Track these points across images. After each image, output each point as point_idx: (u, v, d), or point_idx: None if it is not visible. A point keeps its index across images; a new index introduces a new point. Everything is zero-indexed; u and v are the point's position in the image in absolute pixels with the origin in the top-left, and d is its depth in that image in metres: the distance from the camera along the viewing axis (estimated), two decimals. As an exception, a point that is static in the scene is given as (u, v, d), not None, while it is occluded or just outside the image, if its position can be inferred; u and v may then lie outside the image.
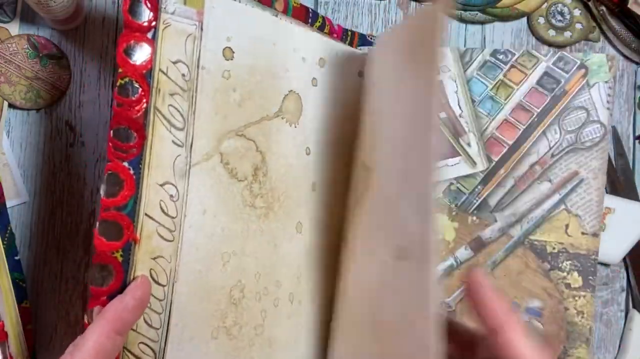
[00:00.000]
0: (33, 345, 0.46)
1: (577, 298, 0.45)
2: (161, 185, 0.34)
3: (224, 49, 0.38)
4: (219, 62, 0.37)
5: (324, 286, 0.43)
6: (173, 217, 0.35)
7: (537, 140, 0.46)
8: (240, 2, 0.38)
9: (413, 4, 0.51)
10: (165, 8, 0.34)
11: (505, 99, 0.47)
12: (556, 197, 0.45)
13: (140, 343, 0.35)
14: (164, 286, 0.35)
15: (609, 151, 0.47)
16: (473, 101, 0.47)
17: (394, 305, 0.34)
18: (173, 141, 0.35)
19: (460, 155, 0.46)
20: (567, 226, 0.45)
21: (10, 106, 0.46)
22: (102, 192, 0.33)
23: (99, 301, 0.33)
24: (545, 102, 0.46)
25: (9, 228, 0.45)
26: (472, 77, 0.47)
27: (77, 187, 0.47)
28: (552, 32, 0.51)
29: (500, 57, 0.47)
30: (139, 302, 0.33)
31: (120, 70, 0.32)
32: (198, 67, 0.35)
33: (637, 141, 0.52)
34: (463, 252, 0.46)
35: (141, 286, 0.33)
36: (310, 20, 0.43)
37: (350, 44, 0.46)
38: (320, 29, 0.43)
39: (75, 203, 0.47)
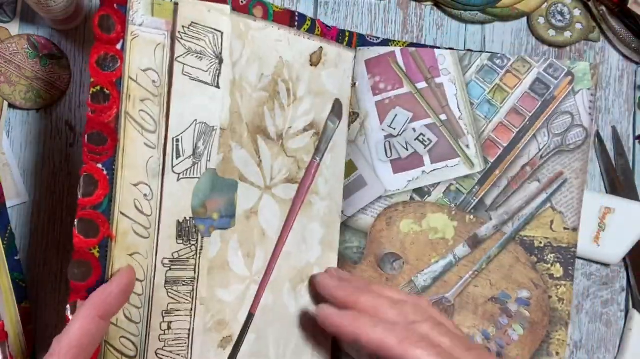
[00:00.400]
0: (33, 345, 0.46)
1: (558, 287, 0.48)
2: (135, 185, 0.37)
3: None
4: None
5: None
6: (148, 215, 0.37)
7: (528, 142, 0.48)
8: (209, 12, 0.39)
9: (413, 4, 0.51)
10: (132, 21, 0.37)
11: (501, 103, 0.48)
12: (543, 196, 0.48)
13: (121, 337, 0.37)
14: (141, 281, 0.37)
15: (590, 153, 0.50)
16: (472, 104, 0.48)
17: None
18: (145, 143, 0.37)
19: (459, 156, 0.48)
20: (552, 222, 0.48)
21: (10, 106, 0.46)
22: (79, 192, 0.36)
23: (79, 295, 0.35)
24: (536, 107, 0.48)
25: (9, 228, 0.45)
26: (470, 81, 0.48)
27: (77, 187, 0.47)
28: (552, 32, 0.51)
29: (497, 61, 0.48)
30: (124, 288, 0.35)
31: (92, 80, 0.36)
32: (169, 74, 0.38)
33: (637, 141, 0.52)
34: (461, 249, 0.48)
35: (126, 274, 0.35)
36: (297, 24, 0.44)
37: (349, 45, 0.47)
38: (310, 32, 0.44)
39: (75, 203, 0.47)
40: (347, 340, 0.39)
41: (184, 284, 0.38)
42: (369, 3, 0.50)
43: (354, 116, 0.48)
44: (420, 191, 0.48)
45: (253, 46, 0.41)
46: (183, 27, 0.37)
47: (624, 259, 0.51)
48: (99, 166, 0.36)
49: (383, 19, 0.50)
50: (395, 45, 0.48)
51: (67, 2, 0.43)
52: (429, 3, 0.51)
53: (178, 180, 0.38)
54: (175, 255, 0.38)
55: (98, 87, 0.36)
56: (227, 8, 0.39)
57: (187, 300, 0.39)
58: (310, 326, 0.45)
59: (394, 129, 0.48)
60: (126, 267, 0.36)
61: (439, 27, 0.51)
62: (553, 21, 0.51)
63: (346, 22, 0.50)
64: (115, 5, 0.36)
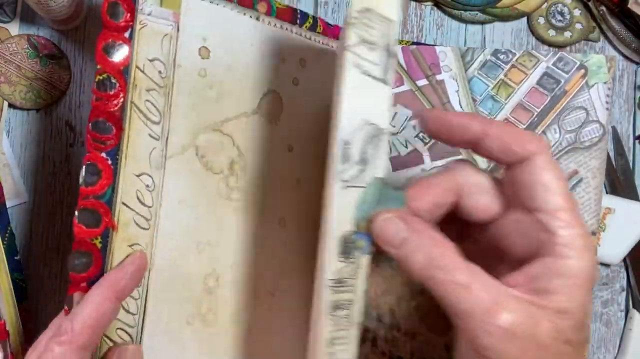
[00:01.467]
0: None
1: None
2: (137, 175, 0.36)
3: (200, 49, 0.39)
4: (195, 60, 0.39)
5: (307, 280, 0.43)
6: (149, 207, 0.37)
7: None
8: (217, 4, 0.39)
9: (413, 4, 0.51)
10: (141, 9, 0.36)
11: (506, 99, 0.47)
12: None
13: (118, 328, 0.36)
14: None
15: (608, 150, 0.48)
16: (474, 100, 0.47)
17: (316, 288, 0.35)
18: (149, 134, 0.37)
19: (461, 154, 0.47)
20: None
21: (10, 105, 0.46)
22: (80, 181, 0.35)
23: (79, 288, 0.34)
24: (545, 102, 0.46)
25: (9, 228, 0.45)
26: (473, 77, 0.47)
27: (77, 187, 0.47)
28: (552, 32, 0.51)
29: (501, 57, 0.47)
30: (137, 269, 0.34)
31: (99, 67, 0.35)
32: (174, 65, 0.37)
33: (637, 141, 0.52)
34: None
35: (140, 257, 0.35)
36: (298, 21, 0.43)
37: None
38: (312, 29, 0.44)
39: (75, 203, 0.47)
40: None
41: (341, 308, 0.34)
42: (369, 3, 0.50)
43: None
44: None
45: None
46: (357, 12, 0.33)
47: (624, 259, 0.51)
48: (103, 155, 0.35)
49: (327, 21, 0.50)
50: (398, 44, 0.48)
51: (67, 2, 0.43)
52: (429, 3, 0.51)
53: (346, 188, 0.33)
54: (339, 274, 0.33)
55: (105, 75, 0.35)
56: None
57: (345, 326, 0.34)
58: None
59: (394, 126, 0.47)
60: (139, 252, 0.35)
61: (439, 27, 0.51)
62: (553, 21, 0.51)
63: (346, 22, 0.50)
64: None
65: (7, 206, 0.45)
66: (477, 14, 0.50)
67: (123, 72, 0.36)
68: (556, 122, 0.46)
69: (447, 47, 0.47)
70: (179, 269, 0.38)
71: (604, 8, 0.51)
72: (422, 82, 0.47)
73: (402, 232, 0.30)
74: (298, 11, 0.44)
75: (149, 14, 0.37)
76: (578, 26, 0.51)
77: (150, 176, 0.37)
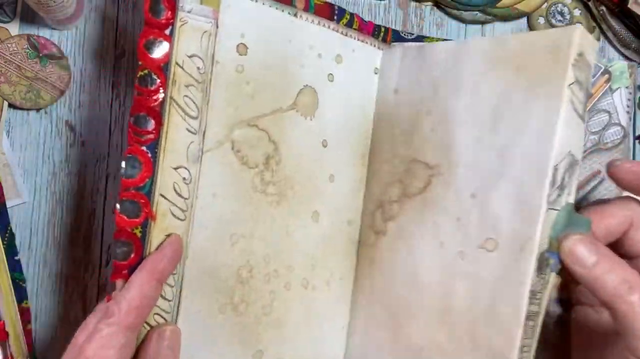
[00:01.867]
0: (33, 345, 0.46)
1: None
2: (175, 168, 0.37)
3: (237, 45, 0.40)
4: (233, 57, 0.40)
5: (341, 273, 0.45)
6: (185, 199, 0.38)
7: None
8: (256, 2, 0.40)
9: (413, 4, 0.51)
10: (182, 7, 0.37)
11: None
12: (580, 194, 0.48)
13: (155, 314, 0.37)
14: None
15: (628, 152, 0.50)
16: None
17: (470, 294, 0.38)
18: (187, 129, 0.38)
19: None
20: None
21: (10, 105, 0.46)
22: (122, 173, 0.36)
23: (121, 275, 0.36)
24: None
25: (9, 228, 0.45)
26: None
27: (77, 187, 0.47)
28: (552, 32, 0.51)
29: None
30: (175, 253, 0.36)
31: (140, 63, 0.36)
32: (213, 61, 0.38)
33: (637, 141, 0.52)
34: None
35: (175, 241, 0.36)
36: (336, 17, 0.44)
37: (384, 40, 0.46)
38: (348, 25, 0.45)
39: (75, 203, 0.47)
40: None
41: (531, 320, 0.37)
42: (369, 3, 0.50)
43: None
44: None
45: None
46: (577, 54, 0.36)
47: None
48: (144, 148, 0.37)
49: (383, 19, 0.50)
50: (429, 42, 0.47)
51: (67, 2, 0.43)
52: (429, 3, 0.51)
53: (547, 211, 0.36)
54: (533, 288, 0.36)
55: (146, 71, 0.36)
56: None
57: (530, 335, 0.37)
58: None
59: None
60: (174, 235, 0.37)
61: (439, 27, 0.51)
62: (553, 21, 0.51)
63: (346, 22, 0.50)
64: None
65: (7, 206, 0.45)
66: (477, 14, 0.50)
67: (163, 68, 0.37)
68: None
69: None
70: (213, 259, 0.40)
71: (604, 8, 0.51)
72: None
73: (593, 254, 0.33)
74: (336, 7, 0.44)
75: (189, 12, 0.37)
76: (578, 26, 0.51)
77: (187, 169, 0.38)
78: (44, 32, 0.47)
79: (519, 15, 0.51)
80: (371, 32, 0.46)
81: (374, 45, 0.47)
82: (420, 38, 0.48)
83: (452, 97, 0.41)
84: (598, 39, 0.52)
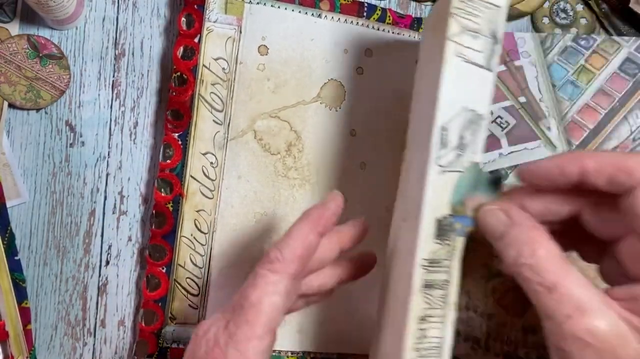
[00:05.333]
0: (33, 345, 0.46)
1: None
2: (203, 154, 0.45)
3: (259, 47, 0.46)
4: (255, 57, 0.46)
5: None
6: (213, 180, 0.45)
7: (618, 124, 0.47)
8: (278, 8, 0.45)
9: (413, 4, 0.50)
10: (208, 17, 0.44)
11: (587, 84, 0.47)
12: None
13: (187, 278, 0.45)
14: (205, 233, 0.45)
15: None
16: (554, 86, 0.48)
17: (397, 268, 0.36)
18: (214, 120, 0.45)
19: (539, 139, 0.47)
20: None
21: (10, 105, 0.46)
22: (160, 157, 0.45)
23: (156, 240, 0.45)
24: (627, 87, 0.47)
25: (9, 228, 0.45)
26: (552, 63, 0.48)
27: (77, 187, 0.47)
28: (557, 31, 0.51)
29: (582, 42, 0.48)
30: (337, 208, 0.36)
31: (174, 67, 0.45)
32: (236, 62, 0.45)
33: None
34: None
35: (337, 197, 0.36)
36: (365, 14, 0.47)
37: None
38: (380, 21, 0.48)
39: (75, 203, 0.47)
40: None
41: (437, 288, 0.34)
42: (369, 3, 0.50)
43: None
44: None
45: None
46: (461, 2, 0.34)
47: None
48: (176, 136, 0.45)
49: (397, 12, 0.50)
50: None
51: (67, 2, 0.43)
52: (429, 3, 0.50)
53: (442, 173, 0.33)
54: (433, 255, 0.34)
55: (178, 73, 0.44)
56: None
57: (439, 305, 0.34)
58: None
59: None
60: (336, 192, 0.37)
61: (440, 26, 0.51)
62: (557, 19, 0.51)
63: (347, 21, 0.50)
64: (195, 6, 0.45)
65: (7, 206, 0.45)
66: (477, 12, 0.50)
67: (192, 70, 0.44)
68: (638, 108, 0.47)
69: (526, 34, 0.48)
70: (238, 234, 0.46)
71: (605, 6, 0.50)
72: (499, 67, 0.47)
73: (502, 225, 0.30)
74: (365, 4, 0.47)
75: (215, 21, 0.45)
76: (583, 21, 0.51)
77: (214, 154, 0.45)
78: (44, 32, 0.47)
79: (519, 15, 0.50)
80: (409, 25, 0.48)
81: (413, 37, 0.48)
82: None
83: None
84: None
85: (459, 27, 0.34)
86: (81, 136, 0.47)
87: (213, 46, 0.44)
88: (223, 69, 0.45)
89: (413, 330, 0.33)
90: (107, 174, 0.47)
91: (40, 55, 0.46)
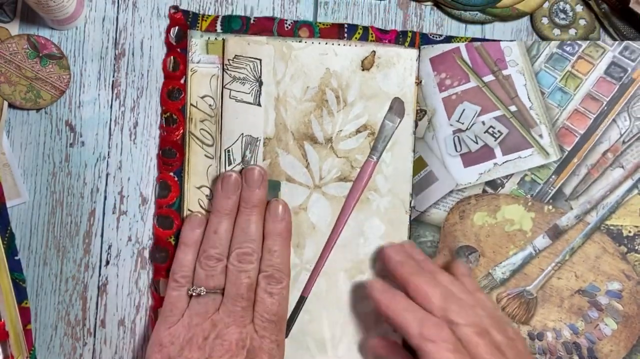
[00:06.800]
0: (33, 345, 0.46)
1: None
2: (198, 188, 0.47)
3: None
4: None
5: None
6: (209, 212, 0.47)
7: (607, 128, 0.47)
8: (249, 44, 0.47)
9: (413, 4, 0.50)
10: (191, 59, 0.47)
11: (575, 90, 0.48)
12: (629, 183, 0.47)
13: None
14: None
15: None
16: (542, 93, 0.48)
17: None
18: (205, 155, 0.47)
19: (532, 146, 0.48)
20: None
21: (10, 105, 0.46)
22: (156, 195, 0.47)
23: (161, 275, 0.47)
24: (614, 91, 0.47)
25: (9, 228, 0.45)
26: (540, 70, 0.48)
27: (77, 187, 0.47)
28: (556, 32, 0.51)
29: (567, 48, 0.48)
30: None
31: (163, 108, 0.48)
32: (222, 97, 0.47)
33: None
34: (541, 241, 0.48)
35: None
36: (346, 35, 0.48)
37: (412, 44, 0.49)
38: (363, 39, 0.48)
39: (75, 203, 0.47)
40: (384, 317, 0.40)
41: None
42: (369, 3, 0.50)
43: (421, 113, 0.48)
44: (493, 184, 0.48)
45: (297, 64, 0.47)
46: (229, 60, 0.46)
47: None
48: (171, 174, 0.47)
49: (383, 19, 0.50)
50: (458, 42, 0.49)
51: (67, 2, 0.43)
52: (429, 3, 0.50)
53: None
54: None
55: (168, 114, 0.47)
56: (263, 39, 0.47)
57: None
58: (373, 314, 0.47)
59: (462, 123, 0.48)
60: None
61: (439, 27, 0.51)
62: (557, 20, 0.51)
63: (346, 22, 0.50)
64: (178, 49, 0.47)
65: (7, 206, 0.45)
66: (477, 14, 0.50)
67: (181, 109, 0.47)
68: (625, 110, 0.47)
69: (512, 42, 0.48)
70: None
71: (605, 6, 0.50)
72: (488, 77, 0.48)
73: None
74: (345, 26, 0.48)
75: (198, 62, 0.47)
76: (582, 22, 0.51)
77: (208, 187, 0.47)
78: (44, 32, 0.47)
79: (519, 16, 0.50)
80: (394, 39, 0.48)
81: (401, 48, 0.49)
82: (449, 39, 0.49)
83: None
84: (598, 38, 0.52)
85: (230, 77, 0.46)
86: (81, 136, 0.47)
87: (198, 86, 0.47)
88: (210, 105, 0.47)
89: None
90: (107, 174, 0.48)
91: (40, 55, 0.46)
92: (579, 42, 0.48)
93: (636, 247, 0.47)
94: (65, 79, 0.47)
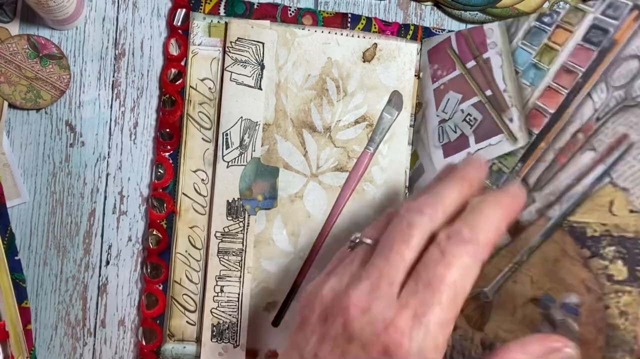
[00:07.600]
0: (33, 345, 0.46)
1: (620, 294, 0.36)
2: (194, 171, 0.47)
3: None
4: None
5: None
6: (204, 196, 0.47)
7: (581, 104, 0.40)
8: (252, 28, 0.46)
9: (413, 4, 0.51)
10: (193, 41, 0.47)
11: (549, 64, 0.42)
12: (600, 169, 0.38)
13: (183, 294, 0.46)
14: (199, 249, 0.47)
15: None
16: (517, 73, 0.43)
17: None
18: (202, 138, 0.47)
19: (502, 132, 0.43)
20: (611, 202, 0.37)
21: (10, 105, 0.46)
22: (152, 177, 0.47)
23: (153, 257, 0.47)
24: (592, 59, 0.40)
25: (9, 228, 0.45)
26: (517, 48, 0.43)
27: (77, 187, 0.47)
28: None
29: (546, 19, 0.42)
30: (522, 205, 0.31)
31: (163, 89, 0.47)
32: (222, 80, 0.46)
33: None
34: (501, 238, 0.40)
35: (522, 191, 0.32)
36: (349, 25, 0.48)
37: (414, 38, 0.49)
38: (366, 30, 0.48)
39: (75, 203, 0.47)
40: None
41: (233, 254, 0.46)
42: (369, 3, 0.50)
43: (419, 106, 0.48)
44: None
45: (300, 51, 0.47)
46: (231, 42, 0.46)
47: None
48: (166, 155, 0.47)
49: (383, 19, 0.50)
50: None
51: (67, 2, 0.43)
52: (429, 3, 0.51)
53: (227, 167, 0.46)
54: (226, 229, 0.46)
55: (167, 96, 0.47)
56: (267, 23, 0.47)
57: (236, 268, 0.46)
58: None
59: (446, 113, 0.46)
60: (517, 186, 0.32)
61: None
62: (554, 20, 0.51)
63: (346, 22, 0.50)
64: (180, 31, 0.47)
65: (7, 206, 0.45)
66: (477, 14, 0.50)
67: (180, 92, 0.47)
68: (603, 80, 0.39)
69: (493, 23, 0.45)
70: None
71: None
72: (470, 64, 0.46)
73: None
74: (348, 15, 0.48)
75: (200, 44, 0.47)
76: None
77: (204, 171, 0.46)
78: (44, 32, 0.47)
79: (518, 15, 0.51)
80: (396, 32, 0.49)
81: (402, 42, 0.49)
82: (451, 32, 0.49)
83: None
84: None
85: (231, 60, 0.46)
86: (81, 136, 0.47)
87: (199, 68, 0.46)
88: (209, 88, 0.46)
89: (211, 286, 0.46)
90: (107, 174, 0.48)
91: (40, 55, 0.46)
92: (558, 9, 0.42)
93: (601, 252, 0.37)
94: (65, 79, 0.47)
